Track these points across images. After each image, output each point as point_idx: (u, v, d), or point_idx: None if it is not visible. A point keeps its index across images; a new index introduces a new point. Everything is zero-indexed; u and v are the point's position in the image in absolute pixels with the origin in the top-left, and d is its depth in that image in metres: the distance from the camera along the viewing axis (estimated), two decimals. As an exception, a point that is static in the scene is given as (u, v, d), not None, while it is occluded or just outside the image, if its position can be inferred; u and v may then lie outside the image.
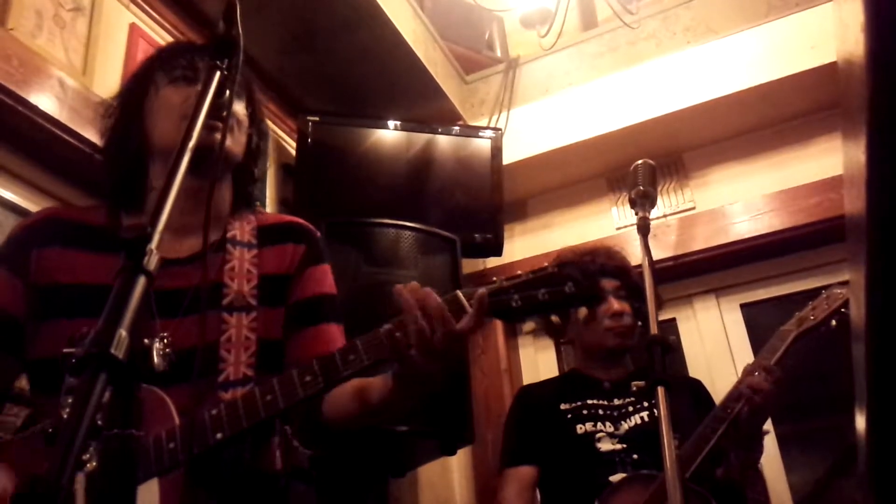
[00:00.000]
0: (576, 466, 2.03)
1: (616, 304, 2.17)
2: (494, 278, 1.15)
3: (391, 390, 1.18)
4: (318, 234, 1.47)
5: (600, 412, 2.11)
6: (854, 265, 0.94)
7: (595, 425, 2.07)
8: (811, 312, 2.00)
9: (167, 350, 0.69)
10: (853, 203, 0.86)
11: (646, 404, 2.10)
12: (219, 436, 1.07)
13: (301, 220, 1.48)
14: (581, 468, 2.01)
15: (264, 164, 1.54)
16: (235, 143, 1.35)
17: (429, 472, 3.04)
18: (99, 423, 0.54)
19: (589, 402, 2.14)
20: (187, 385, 1.09)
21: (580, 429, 2.08)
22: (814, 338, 2.00)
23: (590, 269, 2.10)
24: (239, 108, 1.36)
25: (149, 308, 1.17)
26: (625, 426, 2.06)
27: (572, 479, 2.02)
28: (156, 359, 0.67)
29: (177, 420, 1.08)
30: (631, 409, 2.10)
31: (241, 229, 1.38)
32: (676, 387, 2.16)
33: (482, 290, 1.12)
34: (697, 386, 2.30)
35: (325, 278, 1.42)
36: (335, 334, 1.37)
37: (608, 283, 2.18)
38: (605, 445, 2.03)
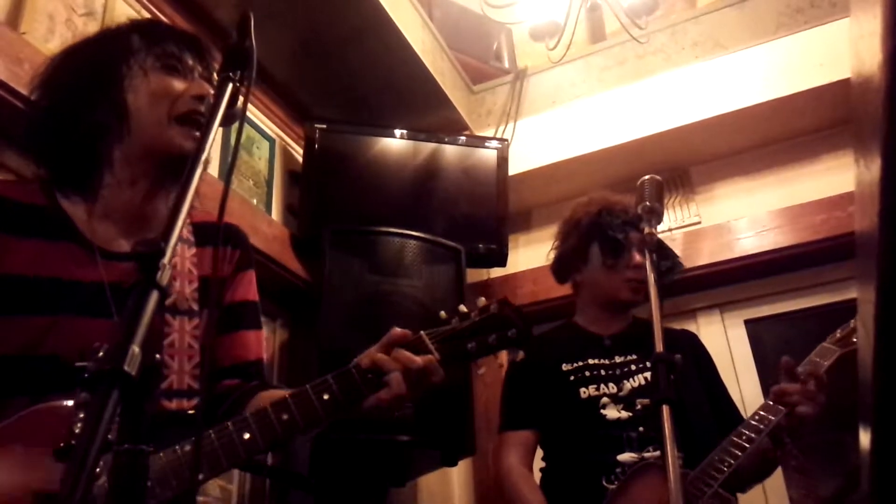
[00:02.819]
0: (581, 437, 2.00)
1: (638, 257, 2.11)
2: (450, 316, 1.25)
3: None
4: (248, 237, 1.45)
5: (602, 372, 2.08)
6: (864, 283, 0.94)
7: (598, 388, 2.04)
8: (853, 334, 1.89)
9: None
10: (864, 222, 0.86)
11: (648, 364, 2.04)
12: (200, 477, 1.05)
13: (232, 223, 1.42)
14: (587, 440, 1.99)
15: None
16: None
17: (429, 482, 3.04)
18: (109, 437, 0.54)
19: (590, 361, 2.11)
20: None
21: (584, 393, 2.05)
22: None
23: (622, 220, 2.10)
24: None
25: (109, 308, 1.12)
26: (628, 386, 2.03)
27: (578, 454, 1.99)
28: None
29: None
30: (634, 367, 2.07)
31: None
32: (673, 345, 2.12)
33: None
34: (693, 340, 2.27)
35: (252, 284, 1.41)
36: (252, 341, 1.36)
37: (635, 236, 2.15)
38: (611, 412, 2.00)
